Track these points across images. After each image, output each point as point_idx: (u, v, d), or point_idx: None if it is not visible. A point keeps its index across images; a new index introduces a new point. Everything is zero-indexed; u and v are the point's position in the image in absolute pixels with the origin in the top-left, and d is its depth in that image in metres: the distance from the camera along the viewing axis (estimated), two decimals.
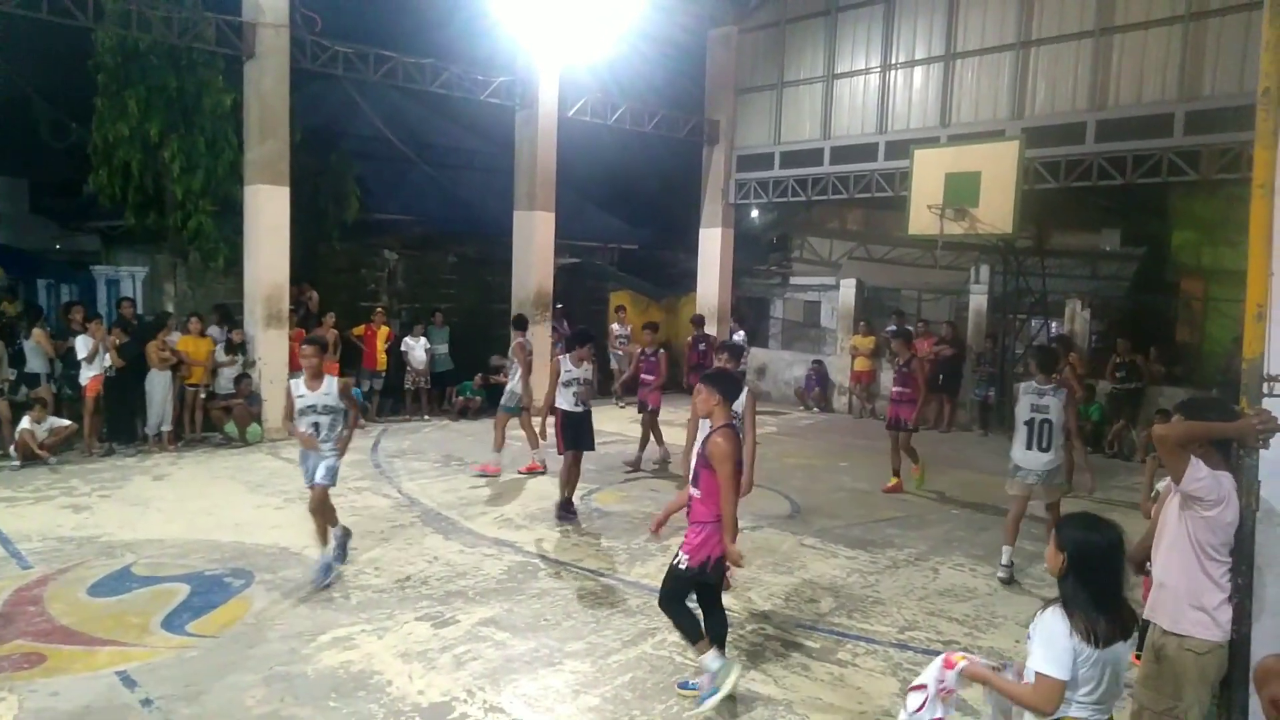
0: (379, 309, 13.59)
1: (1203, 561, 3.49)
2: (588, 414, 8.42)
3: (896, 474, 9.87)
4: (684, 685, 4.92)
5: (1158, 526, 3.73)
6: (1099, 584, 2.85)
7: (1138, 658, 3.95)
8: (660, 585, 4.92)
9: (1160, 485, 4.09)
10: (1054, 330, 14.23)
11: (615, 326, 16.42)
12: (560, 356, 8.57)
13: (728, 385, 4.93)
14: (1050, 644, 2.84)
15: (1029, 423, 6.78)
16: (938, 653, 5.46)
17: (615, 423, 13.95)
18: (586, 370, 8.39)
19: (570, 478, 8.29)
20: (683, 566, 4.69)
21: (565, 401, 8.28)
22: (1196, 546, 3.49)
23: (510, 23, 13.34)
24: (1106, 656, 2.83)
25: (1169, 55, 12.21)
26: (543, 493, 9.35)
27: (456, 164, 19.13)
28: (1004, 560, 6.89)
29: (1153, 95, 12.39)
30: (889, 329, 15.91)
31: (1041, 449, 6.73)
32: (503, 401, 10.30)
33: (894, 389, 9.91)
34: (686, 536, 4.77)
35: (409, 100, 17.90)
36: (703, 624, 4.81)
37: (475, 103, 14.76)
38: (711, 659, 4.66)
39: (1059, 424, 6.71)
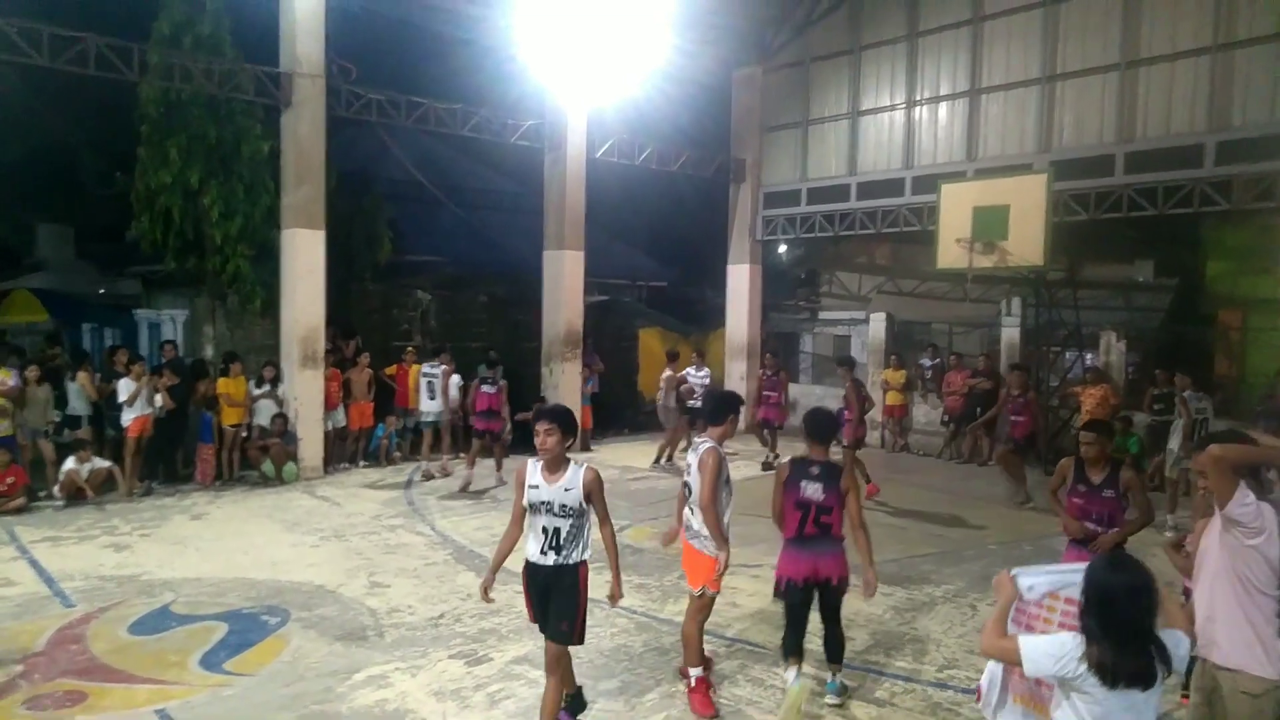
0: (411, 348, 13.75)
1: (1251, 593, 3.41)
2: None
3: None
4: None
5: (1198, 557, 3.67)
6: (1116, 624, 2.76)
7: (1185, 697, 3.86)
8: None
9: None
10: (1089, 362, 14.06)
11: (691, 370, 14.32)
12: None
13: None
14: (1052, 642, 2.85)
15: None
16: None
17: (646, 459, 13.94)
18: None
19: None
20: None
21: None
22: (1242, 579, 3.42)
23: (538, 67, 13.62)
24: (1119, 702, 2.74)
25: (1197, 86, 12.20)
26: None
27: (486, 205, 19.46)
28: None
29: (1182, 126, 12.35)
30: (921, 361, 15.85)
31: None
32: None
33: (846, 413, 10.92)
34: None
35: (439, 144, 18.29)
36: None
37: (504, 145, 15.04)
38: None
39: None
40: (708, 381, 13.97)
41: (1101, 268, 17.73)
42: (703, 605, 5.18)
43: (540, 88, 14.17)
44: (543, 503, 4.41)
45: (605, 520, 4.55)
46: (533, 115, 14.55)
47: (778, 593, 5.19)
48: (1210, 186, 11.94)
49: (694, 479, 5.10)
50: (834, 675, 5.28)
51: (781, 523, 5.17)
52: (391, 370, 13.44)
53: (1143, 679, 2.74)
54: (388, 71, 13.99)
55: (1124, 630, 2.75)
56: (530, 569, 4.55)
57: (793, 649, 5.08)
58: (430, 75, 15.74)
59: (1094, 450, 5.46)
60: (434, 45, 16.17)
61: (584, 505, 4.42)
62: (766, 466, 12.63)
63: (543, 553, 4.44)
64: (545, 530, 4.41)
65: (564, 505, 4.39)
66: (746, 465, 13.20)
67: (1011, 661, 2.96)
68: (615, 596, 4.71)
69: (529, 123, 14.54)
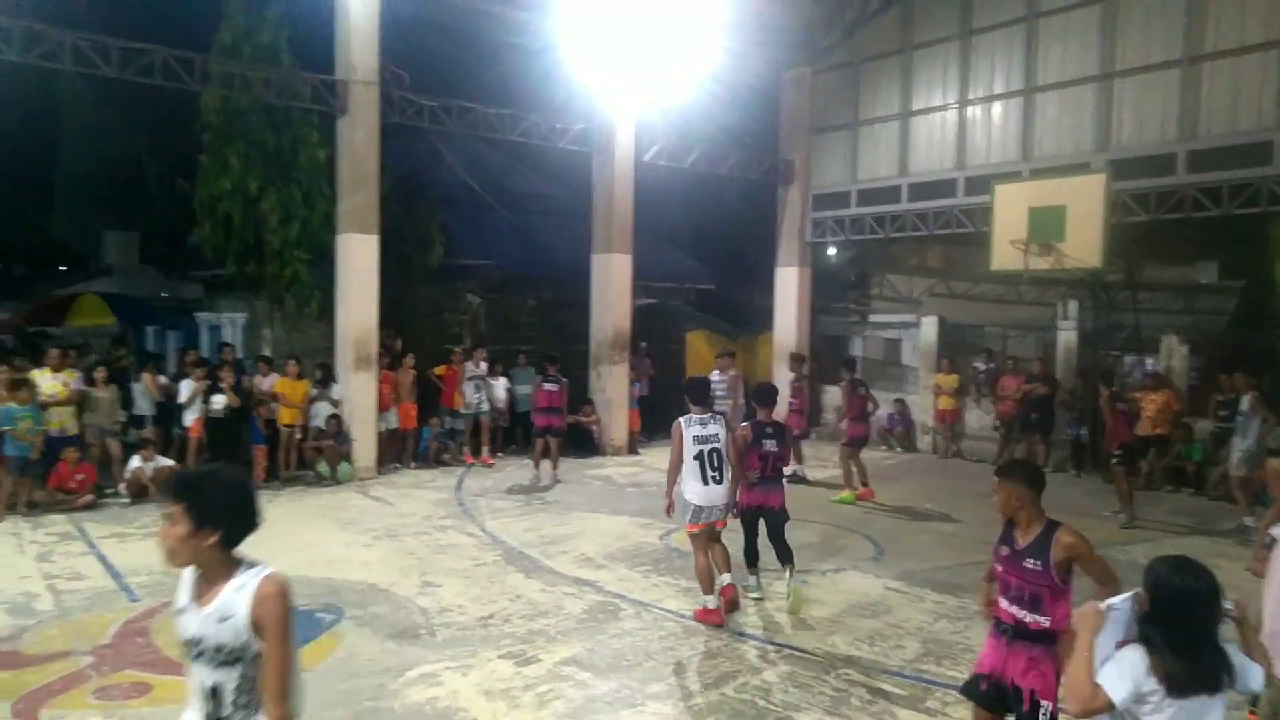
0: (458, 350, 13.92)
1: None
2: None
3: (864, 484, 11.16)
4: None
5: (1269, 572, 3.56)
6: (1182, 630, 2.67)
7: (1253, 713, 3.75)
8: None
9: (1276, 529, 3.86)
10: (1149, 366, 13.69)
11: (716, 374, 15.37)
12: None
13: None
14: (1121, 666, 2.69)
15: (699, 456, 6.63)
16: None
17: None
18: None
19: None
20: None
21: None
22: None
23: (586, 71, 13.69)
24: (1185, 708, 2.64)
25: (1264, 81, 11.80)
26: (622, 532, 9.39)
27: (535, 209, 19.62)
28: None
29: (1248, 123, 11.96)
30: (975, 365, 15.57)
31: (718, 483, 6.68)
32: None
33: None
34: None
35: (489, 149, 18.48)
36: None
37: (553, 149, 15.16)
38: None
39: (725, 454, 6.77)
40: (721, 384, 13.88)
41: (1162, 269, 17.24)
42: (694, 544, 6.75)
43: (588, 91, 14.23)
44: (192, 642, 2.61)
45: (278, 697, 2.53)
46: (581, 119, 14.65)
47: (740, 515, 7.10)
48: (1278, 184, 11.54)
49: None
50: (790, 572, 7.03)
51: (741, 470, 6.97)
52: (440, 370, 13.64)
53: (1209, 685, 2.65)
54: (438, 78, 14.19)
55: (1189, 636, 2.65)
56: None
57: (753, 559, 7.26)
58: (479, 80, 15.94)
59: (1004, 499, 3.94)
60: (482, 50, 16.36)
61: (253, 644, 2.56)
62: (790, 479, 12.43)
63: None
64: (202, 691, 2.60)
65: (220, 647, 2.57)
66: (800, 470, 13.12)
67: (1106, 709, 2.68)
68: None
69: (577, 127, 14.64)
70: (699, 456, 6.61)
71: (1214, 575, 2.77)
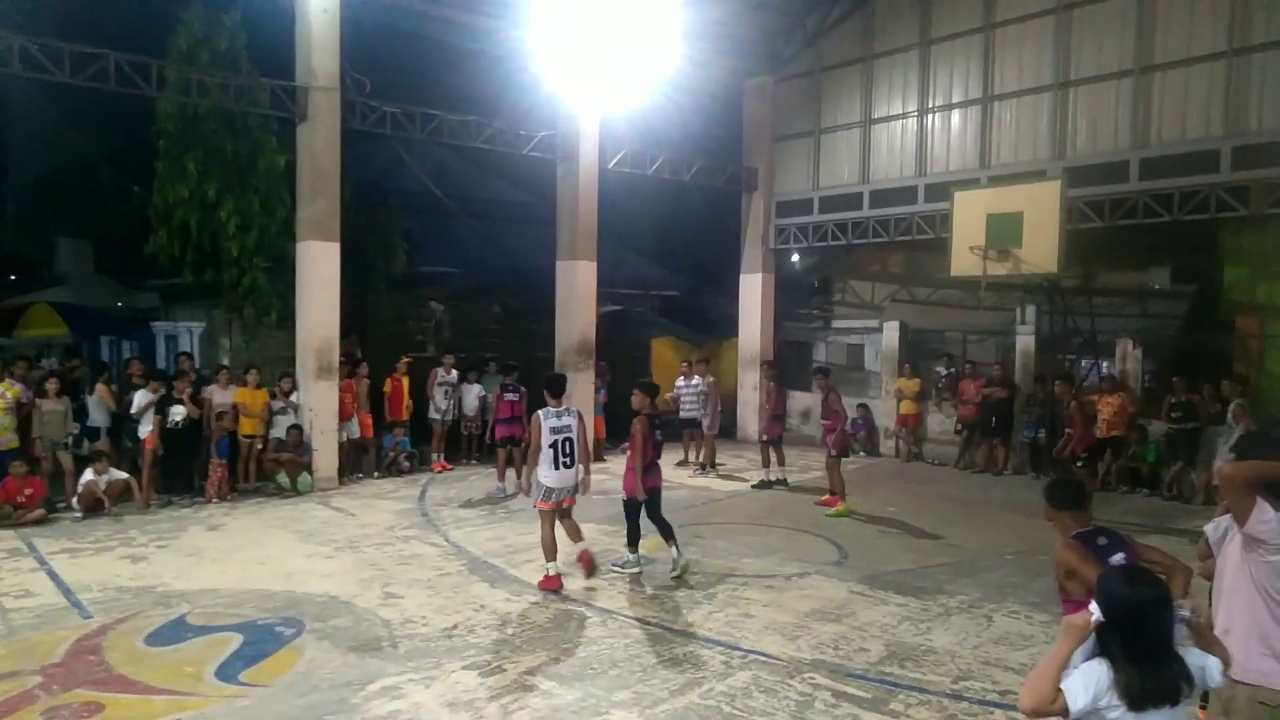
0: (404, 359, 13.71)
1: (1271, 607, 3.37)
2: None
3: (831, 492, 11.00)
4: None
5: (1216, 570, 3.63)
6: (1138, 640, 2.66)
7: (1204, 709, 3.82)
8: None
9: (1207, 528, 3.92)
10: (1105, 370, 13.96)
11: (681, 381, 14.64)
12: None
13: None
14: (1086, 677, 2.68)
15: (554, 444, 7.65)
16: (994, 704, 5.35)
17: (666, 469, 13.91)
18: None
19: None
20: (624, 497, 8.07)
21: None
22: (1262, 591, 3.38)
23: (550, 78, 13.67)
24: None
25: (1212, 91, 12.13)
26: (588, 539, 9.33)
27: (499, 216, 19.57)
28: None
29: (1197, 132, 12.28)
30: (937, 369, 15.77)
31: (569, 467, 7.72)
32: None
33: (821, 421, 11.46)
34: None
35: (453, 156, 18.40)
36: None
37: (517, 157, 15.11)
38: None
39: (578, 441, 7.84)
40: (700, 390, 13.99)
41: (1117, 274, 17.58)
42: (543, 519, 7.70)
43: (552, 99, 14.21)
44: None
45: None
46: (545, 126, 14.63)
47: (634, 500, 7.99)
48: (1226, 192, 11.85)
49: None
50: (674, 547, 8.00)
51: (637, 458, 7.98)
52: (387, 388, 13.25)
53: (1170, 697, 2.65)
54: (401, 84, 14.08)
55: (1148, 647, 2.65)
56: None
57: (637, 538, 8.15)
58: (443, 87, 15.85)
59: (1045, 515, 4.11)
60: (446, 57, 16.26)
61: None
62: (765, 484, 12.56)
63: None
64: None
65: None
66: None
67: (1059, 715, 2.70)
68: None
69: (541, 134, 14.62)
70: (554, 445, 7.59)
71: (1164, 583, 2.79)
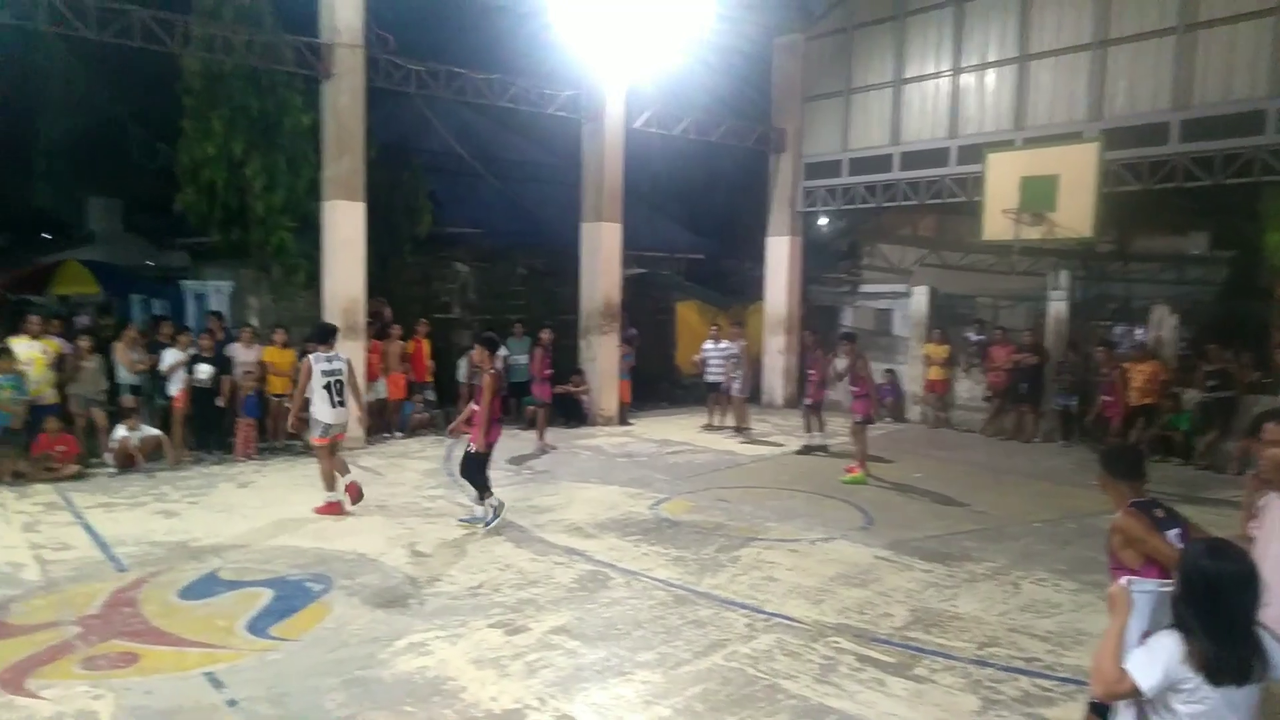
0: (422, 321, 13.76)
1: None
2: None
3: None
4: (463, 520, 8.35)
5: (1259, 543, 3.55)
6: (1218, 615, 2.57)
7: None
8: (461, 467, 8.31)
9: (1262, 502, 3.84)
10: (1138, 336, 13.71)
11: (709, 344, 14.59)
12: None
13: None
14: (1153, 651, 2.62)
15: (327, 386, 8.45)
16: (1020, 670, 5.34)
17: (684, 432, 13.94)
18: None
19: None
20: (472, 450, 8.16)
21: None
22: None
23: (576, 36, 13.49)
24: (1224, 697, 2.56)
25: (1259, 50, 11.72)
26: (611, 502, 9.39)
27: (524, 177, 19.41)
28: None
29: (1242, 92, 11.89)
30: (967, 335, 15.59)
31: (341, 405, 8.57)
32: None
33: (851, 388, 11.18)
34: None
35: (478, 115, 18.24)
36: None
37: (542, 116, 14.97)
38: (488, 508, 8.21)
39: (348, 383, 8.64)
40: (730, 353, 13.95)
41: (1153, 240, 17.22)
42: (320, 454, 8.63)
43: (578, 57, 14.04)
44: None
45: None
46: (570, 86, 14.45)
47: (479, 454, 8.13)
48: (1271, 155, 11.50)
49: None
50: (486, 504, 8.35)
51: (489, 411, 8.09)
52: (410, 348, 13.40)
53: (1246, 674, 2.57)
54: (425, 42, 13.92)
55: (1227, 622, 2.56)
56: None
57: (488, 486, 8.27)
58: (468, 45, 15.65)
59: (1101, 485, 3.95)
60: (470, 14, 16.05)
61: None
62: (807, 449, 12.44)
63: None
64: None
65: None
66: (793, 440, 13.17)
67: (1131, 695, 2.64)
68: None
69: (567, 93, 14.44)
70: (327, 386, 8.43)
71: (1250, 558, 2.70)
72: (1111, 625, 2.76)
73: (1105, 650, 2.73)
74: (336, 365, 8.55)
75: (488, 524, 8.15)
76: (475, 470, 8.23)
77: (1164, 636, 2.65)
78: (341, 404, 8.54)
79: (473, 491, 8.32)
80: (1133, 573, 3.55)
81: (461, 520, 8.41)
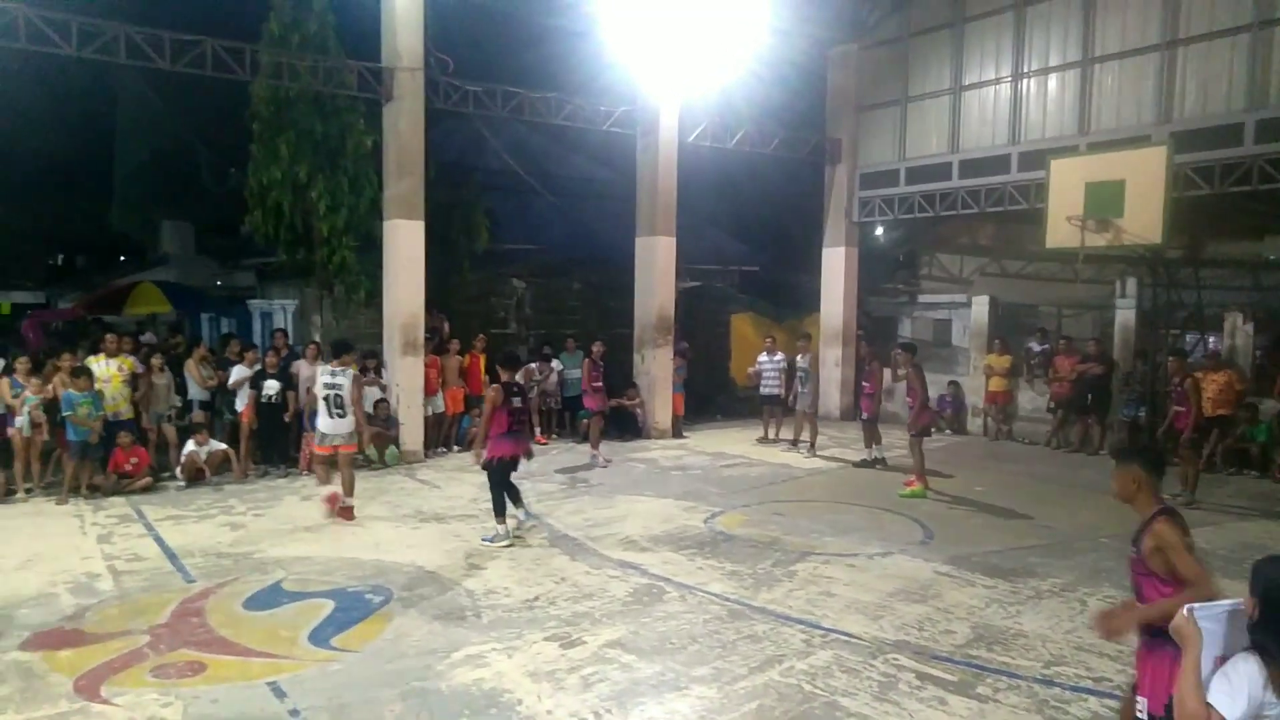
0: (479, 336, 13.96)
1: None
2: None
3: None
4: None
5: None
6: None
7: None
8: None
9: None
10: (1211, 345, 13.21)
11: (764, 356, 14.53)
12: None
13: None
14: (1233, 680, 2.51)
15: (326, 398, 8.82)
16: (1088, 690, 5.16)
17: (738, 445, 13.86)
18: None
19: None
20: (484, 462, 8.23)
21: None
22: None
23: (629, 52, 13.60)
24: None
25: None
26: (666, 515, 9.37)
27: (580, 193, 19.61)
28: None
29: None
30: (1029, 345, 15.20)
31: (340, 418, 8.88)
32: None
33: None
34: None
35: (533, 133, 18.50)
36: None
37: (597, 133, 15.09)
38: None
39: (348, 398, 8.90)
40: (783, 366, 13.90)
41: (1227, 245, 16.61)
42: (315, 460, 9.37)
43: (631, 73, 14.15)
44: None
45: None
46: (624, 101, 14.55)
47: (491, 466, 8.14)
48: None
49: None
50: (523, 511, 8.65)
51: (489, 425, 8.15)
52: (465, 362, 13.59)
53: None
54: (482, 63, 14.20)
55: None
56: None
57: (504, 509, 8.16)
58: (522, 64, 15.92)
59: (1121, 483, 3.74)
60: (525, 34, 16.33)
61: None
62: (865, 463, 12.26)
63: None
64: None
65: None
66: (851, 453, 13.00)
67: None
68: None
69: (621, 109, 14.55)
70: (326, 398, 8.84)
71: None
72: (1185, 661, 2.65)
73: (1185, 687, 2.61)
74: (339, 380, 8.90)
75: (486, 540, 8.17)
76: (493, 485, 8.25)
77: (1241, 662, 2.54)
78: (340, 416, 8.89)
79: (510, 506, 8.35)
80: (1159, 579, 3.46)
81: (484, 540, 8.32)
